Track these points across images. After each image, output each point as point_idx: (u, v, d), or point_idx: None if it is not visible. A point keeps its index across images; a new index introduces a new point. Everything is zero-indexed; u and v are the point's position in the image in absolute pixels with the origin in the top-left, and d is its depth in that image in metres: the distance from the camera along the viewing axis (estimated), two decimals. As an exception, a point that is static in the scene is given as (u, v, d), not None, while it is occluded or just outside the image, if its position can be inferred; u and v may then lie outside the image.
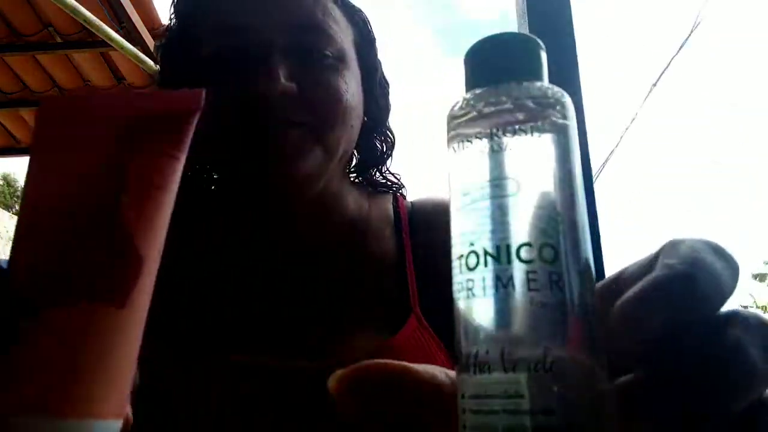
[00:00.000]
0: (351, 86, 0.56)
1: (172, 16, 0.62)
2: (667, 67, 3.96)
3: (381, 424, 0.23)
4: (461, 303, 0.22)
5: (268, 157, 0.52)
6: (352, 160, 0.67)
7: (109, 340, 0.24)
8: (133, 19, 2.30)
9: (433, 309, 0.56)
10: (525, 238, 0.21)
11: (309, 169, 0.53)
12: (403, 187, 0.69)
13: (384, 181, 0.68)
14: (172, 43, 0.61)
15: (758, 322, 0.21)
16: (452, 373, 0.24)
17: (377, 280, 0.59)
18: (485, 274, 0.21)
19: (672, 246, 0.22)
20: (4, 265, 0.24)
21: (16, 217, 0.89)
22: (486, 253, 0.22)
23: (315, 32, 0.54)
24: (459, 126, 0.24)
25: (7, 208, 9.95)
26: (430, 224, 0.63)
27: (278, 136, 0.52)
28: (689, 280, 0.20)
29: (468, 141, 0.23)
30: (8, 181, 12.48)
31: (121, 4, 2.21)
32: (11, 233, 0.37)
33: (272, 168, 0.52)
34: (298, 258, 0.59)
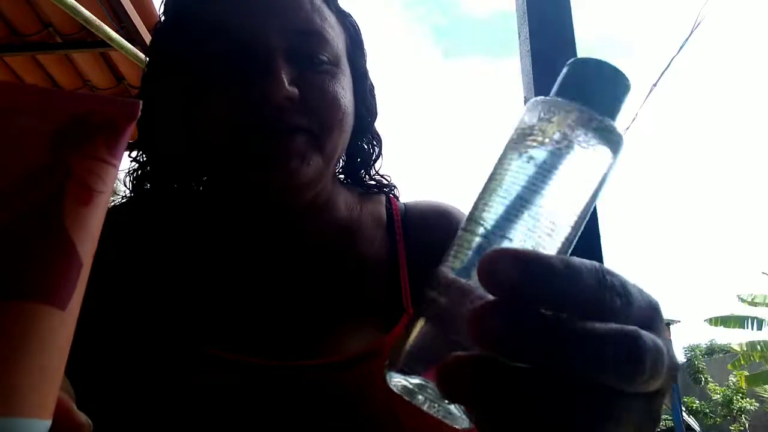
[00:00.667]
0: (347, 92, 0.57)
1: (163, 16, 0.61)
2: (667, 67, 3.96)
3: None
4: None
5: (270, 163, 0.52)
6: (340, 162, 0.68)
7: (48, 340, 0.23)
8: (133, 19, 2.30)
9: None
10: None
11: (310, 176, 0.53)
12: (395, 187, 0.69)
13: (374, 182, 0.68)
14: (163, 41, 0.60)
15: None
16: None
17: (370, 280, 0.59)
18: None
19: None
20: None
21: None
22: None
23: (315, 37, 0.54)
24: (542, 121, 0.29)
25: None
26: (424, 225, 0.64)
27: (282, 142, 0.52)
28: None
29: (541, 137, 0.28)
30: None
31: (121, 4, 2.21)
32: None
33: (275, 174, 0.52)
34: (290, 258, 0.60)
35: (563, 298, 0.23)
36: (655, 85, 3.99)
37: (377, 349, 0.53)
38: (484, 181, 0.29)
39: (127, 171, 0.62)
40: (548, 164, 0.27)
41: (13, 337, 0.23)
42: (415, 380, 0.27)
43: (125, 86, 2.79)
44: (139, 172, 0.62)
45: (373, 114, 0.66)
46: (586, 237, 1.11)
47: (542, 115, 0.29)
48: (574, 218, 0.27)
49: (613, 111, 0.29)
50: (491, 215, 0.27)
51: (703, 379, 15.43)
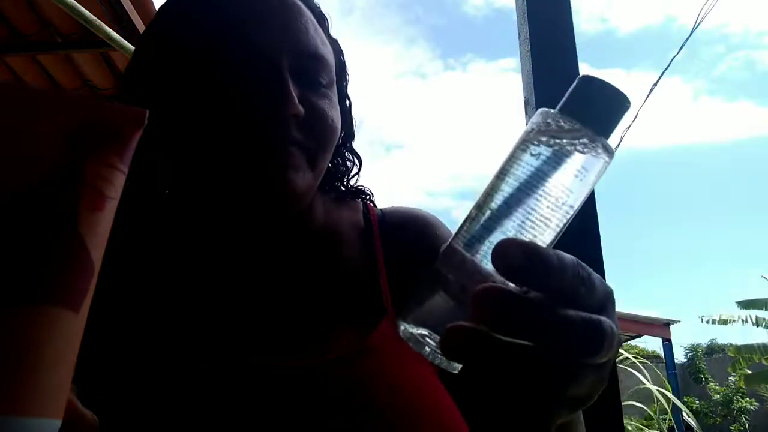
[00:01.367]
0: (337, 113, 0.60)
1: (171, 16, 0.61)
2: (667, 67, 3.96)
3: None
4: None
5: (267, 173, 0.54)
6: None
7: (64, 342, 0.24)
8: (133, 19, 2.31)
9: None
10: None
11: (304, 189, 0.56)
12: (371, 194, 0.72)
13: (351, 190, 0.72)
14: (170, 41, 0.59)
15: None
16: None
17: (351, 283, 0.61)
18: None
19: None
20: None
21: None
22: None
23: (318, 60, 0.58)
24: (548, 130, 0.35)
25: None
26: (400, 230, 0.66)
27: (284, 153, 0.54)
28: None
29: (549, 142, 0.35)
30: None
31: (121, 4, 2.21)
32: None
33: (270, 184, 0.54)
34: (273, 263, 0.61)
35: (551, 286, 0.30)
36: (655, 85, 4.00)
37: (360, 350, 0.54)
38: (493, 174, 0.35)
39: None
40: (546, 168, 0.33)
41: (33, 340, 0.23)
42: (422, 331, 0.35)
43: (61, 88, 2.78)
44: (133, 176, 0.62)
45: (351, 130, 0.70)
46: (587, 237, 1.11)
47: (549, 125, 0.35)
48: (560, 214, 0.34)
49: (607, 129, 0.35)
50: (495, 203, 0.34)
51: (703, 379, 15.43)
